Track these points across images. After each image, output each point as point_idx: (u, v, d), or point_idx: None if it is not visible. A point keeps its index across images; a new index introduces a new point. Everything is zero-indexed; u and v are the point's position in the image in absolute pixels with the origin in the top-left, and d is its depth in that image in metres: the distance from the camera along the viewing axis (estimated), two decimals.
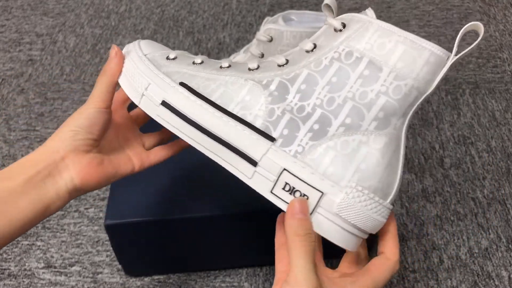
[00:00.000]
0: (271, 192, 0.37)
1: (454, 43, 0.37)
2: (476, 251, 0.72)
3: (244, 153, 0.38)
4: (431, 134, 0.89)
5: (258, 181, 0.37)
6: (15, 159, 0.85)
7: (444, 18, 1.16)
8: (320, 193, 0.36)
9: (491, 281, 0.68)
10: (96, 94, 0.42)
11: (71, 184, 0.40)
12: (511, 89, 0.98)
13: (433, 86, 0.38)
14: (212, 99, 0.39)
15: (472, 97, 0.96)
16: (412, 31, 1.13)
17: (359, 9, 1.19)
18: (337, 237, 0.37)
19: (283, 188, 0.37)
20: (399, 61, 0.37)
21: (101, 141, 0.43)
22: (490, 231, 0.74)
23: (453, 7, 1.20)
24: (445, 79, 1.00)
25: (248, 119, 0.38)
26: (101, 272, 0.70)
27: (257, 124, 0.38)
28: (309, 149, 0.37)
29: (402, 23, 1.15)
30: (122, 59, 0.43)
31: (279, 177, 0.37)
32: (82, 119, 0.41)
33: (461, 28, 0.39)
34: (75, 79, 1.02)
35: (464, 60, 1.04)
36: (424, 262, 0.70)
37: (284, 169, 0.37)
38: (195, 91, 0.40)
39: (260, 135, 0.38)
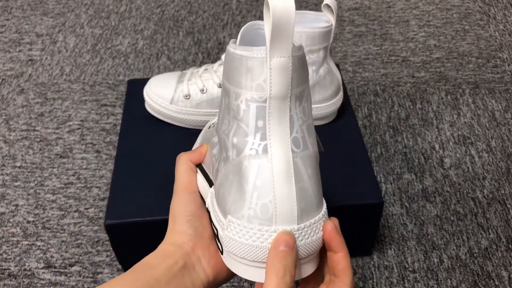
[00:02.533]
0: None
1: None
2: (476, 251, 0.72)
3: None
4: (431, 134, 0.89)
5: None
6: (15, 159, 0.85)
7: (444, 18, 1.16)
8: (216, 230, 0.37)
9: (491, 281, 0.68)
10: (182, 180, 0.42)
11: (205, 277, 0.39)
12: (511, 89, 0.98)
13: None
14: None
15: (472, 97, 0.96)
16: (412, 31, 1.13)
17: (359, 9, 1.19)
18: (241, 271, 0.36)
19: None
20: None
21: None
22: (490, 231, 0.74)
23: (453, 7, 1.20)
24: (445, 79, 1.00)
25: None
26: (101, 272, 0.70)
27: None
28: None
29: (402, 23, 1.15)
30: (204, 155, 0.43)
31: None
32: (189, 206, 0.41)
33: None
34: (75, 79, 1.02)
35: (464, 60, 1.04)
36: (424, 262, 0.70)
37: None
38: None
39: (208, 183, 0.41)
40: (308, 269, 0.36)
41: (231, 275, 0.40)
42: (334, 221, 0.36)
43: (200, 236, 0.39)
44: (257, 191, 0.33)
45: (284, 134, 0.33)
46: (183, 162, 0.43)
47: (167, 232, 0.40)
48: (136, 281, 0.36)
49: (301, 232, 0.34)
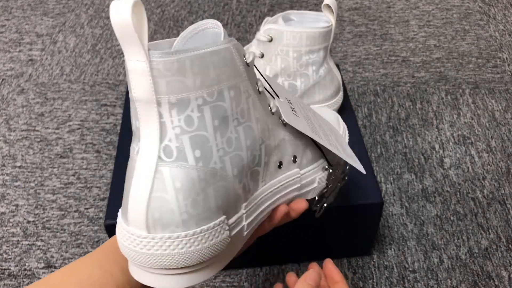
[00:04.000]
0: None
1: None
2: (476, 251, 0.72)
3: None
4: (431, 134, 0.89)
5: None
6: (15, 159, 0.85)
7: (444, 18, 1.16)
8: None
9: (491, 281, 0.68)
10: None
11: None
12: (511, 89, 0.98)
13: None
14: None
15: (472, 97, 0.96)
16: (412, 31, 1.13)
17: (359, 9, 1.19)
18: (153, 282, 0.35)
19: None
20: None
21: None
22: (490, 231, 0.74)
23: (453, 7, 1.20)
24: (445, 79, 1.00)
25: None
26: None
27: None
28: None
29: (402, 23, 1.15)
30: None
31: None
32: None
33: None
34: (75, 79, 1.02)
35: (464, 60, 1.04)
36: (424, 262, 0.70)
37: None
38: None
39: None
40: (170, 283, 0.34)
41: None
42: (328, 261, 0.44)
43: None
44: (124, 192, 0.34)
45: (151, 139, 0.32)
46: None
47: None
48: (112, 259, 0.38)
49: (150, 242, 0.32)
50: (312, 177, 0.44)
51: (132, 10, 0.28)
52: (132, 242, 0.33)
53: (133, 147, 0.33)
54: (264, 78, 0.44)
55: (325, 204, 0.47)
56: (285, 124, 0.41)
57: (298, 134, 0.42)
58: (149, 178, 0.32)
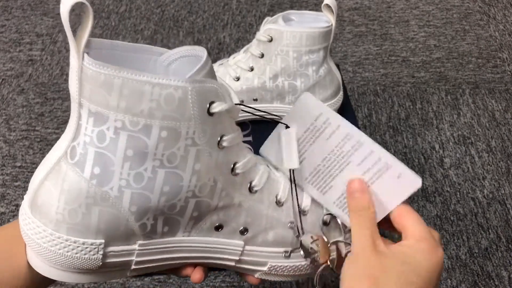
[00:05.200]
0: None
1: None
2: (476, 251, 0.72)
3: None
4: (431, 134, 0.89)
5: None
6: (15, 159, 0.85)
7: (444, 18, 1.16)
8: None
9: (491, 281, 0.68)
10: None
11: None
12: (511, 89, 0.98)
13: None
14: None
15: (472, 97, 0.96)
16: (412, 31, 1.13)
17: (359, 9, 1.19)
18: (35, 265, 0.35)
19: None
20: None
21: None
22: (490, 231, 0.74)
23: (453, 7, 1.20)
24: (445, 79, 1.00)
25: None
26: None
27: None
28: None
29: (402, 23, 1.15)
30: None
31: None
32: None
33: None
34: None
35: (464, 60, 1.04)
36: None
37: None
38: None
39: None
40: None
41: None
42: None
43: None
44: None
45: (67, 134, 0.31)
46: None
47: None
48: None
49: (30, 223, 0.33)
50: (262, 260, 0.38)
51: (71, 8, 0.27)
52: (21, 216, 0.34)
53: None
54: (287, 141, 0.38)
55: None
56: (254, 192, 0.36)
57: (272, 211, 0.37)
58: (49, 165, 0.32)
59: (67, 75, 1.03)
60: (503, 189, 0.79)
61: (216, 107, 0.31)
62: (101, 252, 0.33)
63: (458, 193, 0.79)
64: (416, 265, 0.34)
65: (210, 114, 0.31)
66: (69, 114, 0.99)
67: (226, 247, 0.37)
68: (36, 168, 0.84)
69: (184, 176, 0.32)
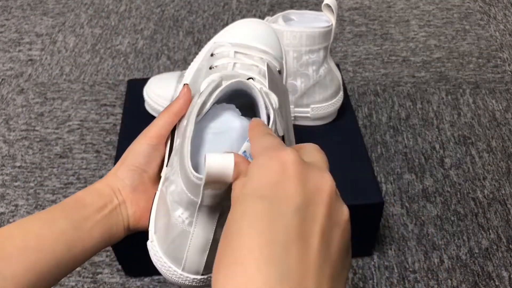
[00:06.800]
0: None
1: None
2: (477, 251, 0.71)
3: None
4: (431, 134, 0.88)
5: None
6: (15, 159, 0.85)
7: (444, 18, 1.16)
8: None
9: (492, 281, 0.68)
10: (153, 130, 0.42)
11: (126, 224, 0.41)
12: None
13: None
14: None
15: (472, 97, 0.96)
16: (412, 31, 1.13)
17: (359, 9, 1.19)
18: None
19: None
20: None
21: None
22: (490, 231, 0.74)
23: (453, 7, 1.20)
24: (445, 79, 1.00)
25: None
26: (101, 272, 0.70)
27: None
28: None
29: (402, 23, 1.15)
30: (189, 100, 0.42)
31: None
32: (139, 157, 0.41)
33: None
34: (75, 79, 1.02)
35: (465, 60, 1.04)
36: (424, 262, 0.70)
37: None
38: None
39: None
40: None
41: (147, 227, 0.42)
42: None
43: (134, 190, 0.41)
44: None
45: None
46: (168, 115, 0.42)
47: (110, 171, 0.42)
48: (65, 217, 0.37)
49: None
50: None
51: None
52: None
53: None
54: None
55: None
56: None
57: None
58: None
59: (66, 75, 1.03)
60: (504, 189, 0.79)
61: None
62: None
63: (458, 193, 0.79)
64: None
65: None
66: (69, 114, 0.99)
67: None
68: (36, 168, 0.84)
69: None
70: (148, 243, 0.40)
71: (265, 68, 0.43)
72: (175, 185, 0.36)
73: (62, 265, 0.37)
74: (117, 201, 0.40)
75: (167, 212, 0.37)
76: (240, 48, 0.45)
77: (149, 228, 0.40)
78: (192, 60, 1.05)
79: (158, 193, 0.41)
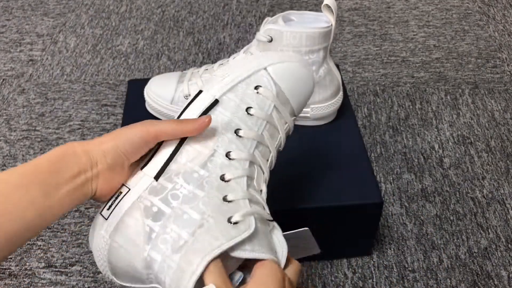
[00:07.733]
0: None
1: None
2: (476, 250, 0.72)
3: None
4: (431, 134, 0.89)
5: None
6: (16, 159, 0.86)
7: (443, 18, 1.16)
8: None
9: (490, 280, 0.68)
10: (156, 128, 0.43)
11: (91, 196, 0.42)
12: (510, 89, 0.98)
13: None
14: None
15: (471, 97, 0.96)
16: (412, 31, 1.13)
17: (359, 9, 1.20)
18: None
19: None
20: None
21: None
22: (489, 230, 0.74)
23: (452, 8, 1.20)
24: (444, 79, 1.00)
25: None
26: (101, 272, 0.70)
27: None
28: None
29: (402, 23, 1.15)
30: (203, 129, 0.44)
31: None
32: (128, 145, 0.42)
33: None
34: (76, 79, 1.02)
35: (464, 61, 1.05)
36: (423, 262, 0.70)
37: None
38: None
39: None
40: None
41: (103, 203, 0.44)
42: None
43: (111, 169, 0.42)
44: None
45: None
46: (178, 127, 0.43)
47: (94, 140, 0.42)
48: (38, 182, 0.37)
49: None
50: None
51: None
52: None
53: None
54: None
55: None
56: None
57: None
58: None
59: (67, 75, 1.03)
60: (503, 189, 0.79)
61: None
62: None
63: (457, 193, 0.79)
64: None
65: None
66: (70, 114, 0.99)
67: None
68: None
69: None
70: (99, 215, 0.43)
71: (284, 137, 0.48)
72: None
73: (32, 228, 0.37)
74: (90, 174, 0.40)
75: (136, 241, 0.40)
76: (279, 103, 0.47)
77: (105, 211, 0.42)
78: (192, 60, 1.06)
79: (136, 200, 0.42)
